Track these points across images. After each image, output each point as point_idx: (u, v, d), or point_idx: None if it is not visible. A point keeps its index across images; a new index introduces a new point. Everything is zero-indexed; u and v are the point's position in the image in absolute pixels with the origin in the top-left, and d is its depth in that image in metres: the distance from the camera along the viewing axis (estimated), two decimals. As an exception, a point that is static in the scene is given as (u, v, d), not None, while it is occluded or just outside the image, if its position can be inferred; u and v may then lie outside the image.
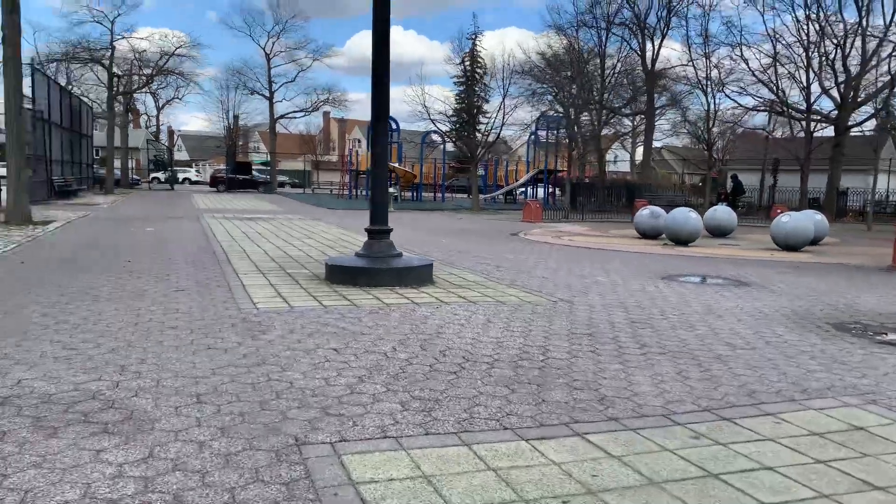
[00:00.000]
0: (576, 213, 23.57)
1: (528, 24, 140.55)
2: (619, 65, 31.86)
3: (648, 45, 32.06)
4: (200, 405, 3.35)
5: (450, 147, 38.74)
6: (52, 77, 31.38)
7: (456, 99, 50.20)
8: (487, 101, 41.61)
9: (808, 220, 14.29)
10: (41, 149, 22.91)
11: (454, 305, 6.21)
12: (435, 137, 38.21)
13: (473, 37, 49.50)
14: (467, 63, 51.34)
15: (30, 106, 21.87)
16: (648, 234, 15.76)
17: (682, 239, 14.28)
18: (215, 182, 44.63)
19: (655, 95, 32.39)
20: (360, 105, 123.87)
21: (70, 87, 37.15)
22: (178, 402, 3.39)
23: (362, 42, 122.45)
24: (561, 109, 32.17)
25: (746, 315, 6.35)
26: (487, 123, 27.97)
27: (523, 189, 36.58)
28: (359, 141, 68.54)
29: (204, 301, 6.09)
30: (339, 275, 7.37)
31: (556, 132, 33.22)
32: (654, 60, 32.12)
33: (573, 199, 25.71)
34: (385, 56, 7.50)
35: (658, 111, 33.51)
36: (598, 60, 31.71)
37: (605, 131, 34.32)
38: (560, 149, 33.78)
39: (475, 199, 27.76)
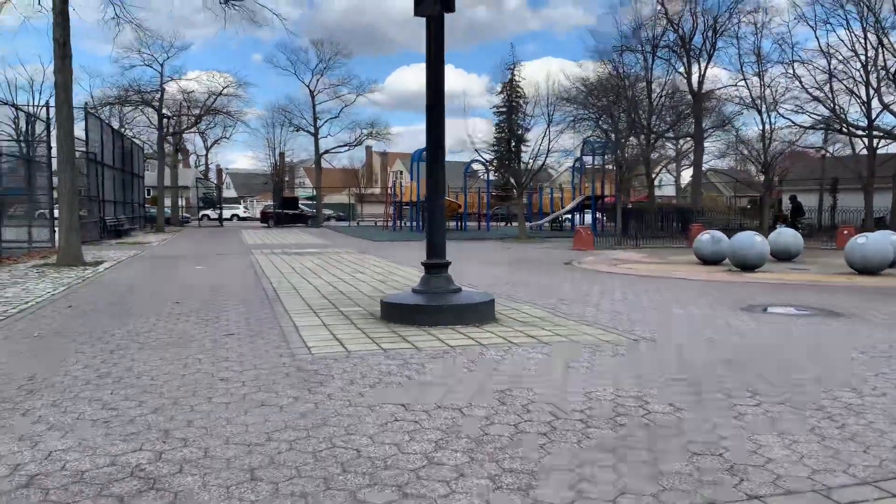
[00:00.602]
0: (628, 240, 22.74)
1: (566, 54, 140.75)
2: (665, 88, 31.10)
3: (694, 68, 31.30)
4: (255, 483, 2.84)
5: (492, 176, 38.32)
6: (107, 120, 32.21)
7: (496, 129, 50.02)
8: (528, 130, 41.28)
9: (886, 241, 13.27)
10: (94, 189, 23.27)
11: (525, 347, 5.63)
12: (476, 167, 37.89)
13: (512, 67, 49.46)
14: (507, 92, 51.23)
15: (83, 148, 22.29)
16: (710, 260, 14.94)
17: (748, 264, 13.43)
18: (265, 217, 45.16)
19: (703, 117, 31.48)
20: (400, 138, 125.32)
21: (123, 129, 38.16)
22: (229, 479, 2.88)
23: (402, 77, 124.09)
24: (602, 135, 31.54)
25: (857, 352, 5.61)
26: (531, 151, 27.50)
27: (569, 216, 35.84)
28: (401, 173, 68.82)
29: (255, 346, 5.64)
30: (396, 313, 6.87)
31: (602, 157, 32.50)
32: (700, 82, 31.28)
33: (625, 225, 24.89)
34: (440, 81, 7.07)
35: (707, 133, 32.53)
36: (644, 84, 31.00)
37: (651, 155, 33.45)
38: (606, 174, 33.05)
39: (521, 227, 27.16)
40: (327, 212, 53.17)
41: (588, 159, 34.09)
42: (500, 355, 5.31)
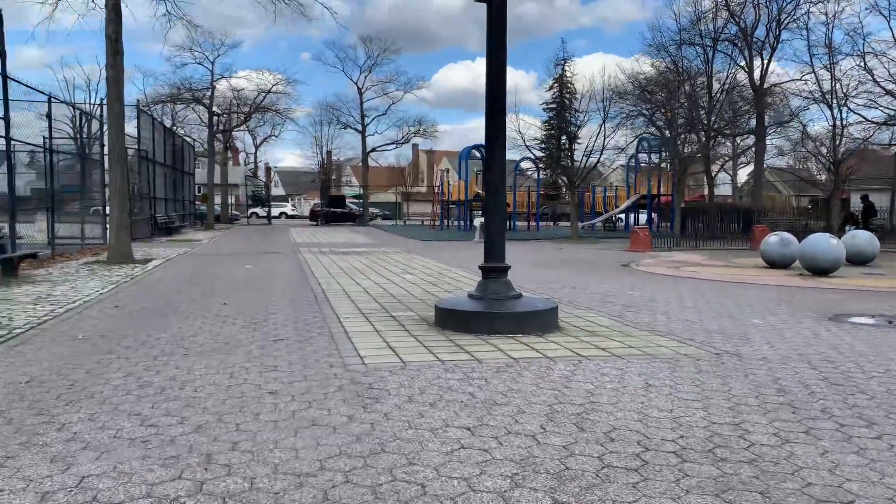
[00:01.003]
0: (687, 241, 21.87)
1: (618, 50, 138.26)
2: (726, 83, 29.82)
3: (756, 62, 29.98)
4: (307, 527, 2.45)
5: (541, 174, 37.60)
6: (159, 118, 32.73)
7: (546, 126, 49.20)
8: (579, 127, 40.46)
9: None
10: (146, 187, 23.56)
11: (597, 361, 5.14)
12: (525, 165, 37.23)
13: (563, 62, 48.54)
14: (557, 88, 50.32)
15: (135, 146, 22.57)
16: (778, 263, 14.10)
17: (821, 269, 12.58)
18: (315, 216, 45.39)
19: (765, 113, 30.13)
20: (447, 136, 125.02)
21: (174, 127, 38.79)
22: (277, 519, 2.51)
23: (449, 75, 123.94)
24: (657, 132, 30.47)
25: (973, 372, 4.95)
26: (583, 148, 26.70)
27: (621, 216, 34.91)
28: (447, 171, 68.49)
29: (305, 354, 5.30)
30: (451, 320, 6.45)
31: (659, 154, 31.47)
32: (762, 77, 29.98)
33: (682, 225, 23.99)
34: (502, 67, 6.63)
35: (770, 129, 31.16)
36: (704, 79, 29.82)
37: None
38: (663, 172, 32.00)
39: (574, 227, 26.44)
40: (373, 210, 53.26)
41: (643, 157, 33.11)
42: (570, 370, 4.84)
